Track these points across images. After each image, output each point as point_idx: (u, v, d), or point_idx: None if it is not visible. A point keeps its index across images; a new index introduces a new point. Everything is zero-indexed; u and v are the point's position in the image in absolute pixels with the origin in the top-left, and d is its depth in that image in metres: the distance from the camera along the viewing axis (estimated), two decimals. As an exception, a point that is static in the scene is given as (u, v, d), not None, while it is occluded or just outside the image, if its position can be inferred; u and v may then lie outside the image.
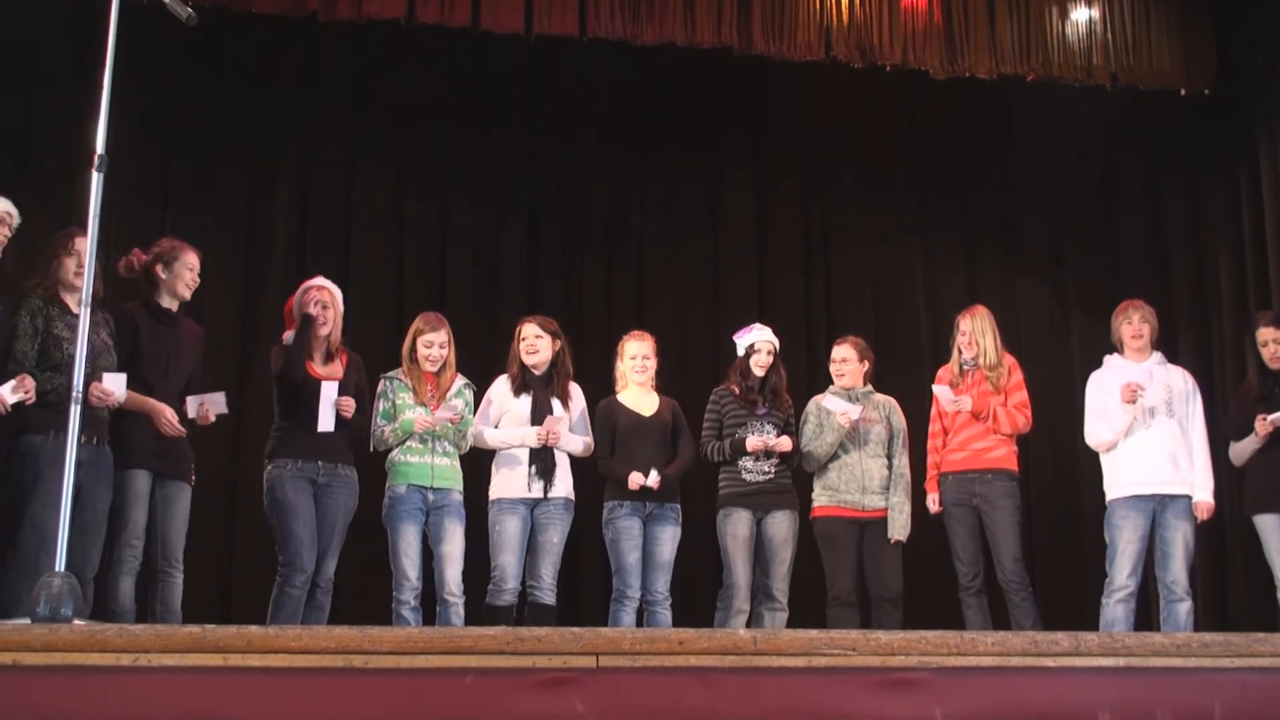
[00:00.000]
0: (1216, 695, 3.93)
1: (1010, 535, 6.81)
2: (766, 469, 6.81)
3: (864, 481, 6.86)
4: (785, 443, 6.81)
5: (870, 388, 7.13)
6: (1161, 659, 3.96)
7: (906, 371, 8.35)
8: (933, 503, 7.08)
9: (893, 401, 7.15)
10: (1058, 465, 8.91)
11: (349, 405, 6.20)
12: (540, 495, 6.54)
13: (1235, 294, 8.76)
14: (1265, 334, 6.89)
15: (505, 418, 6.68)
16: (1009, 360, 7.08)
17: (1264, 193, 8.44)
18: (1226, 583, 8.44)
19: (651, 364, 6.86)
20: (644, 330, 7.06)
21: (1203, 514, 6.68)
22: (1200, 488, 6.70)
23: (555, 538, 6.55)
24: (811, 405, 7.08)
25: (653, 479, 6.61)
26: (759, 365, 6.94)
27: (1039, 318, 9.38)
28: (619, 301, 8.93)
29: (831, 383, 7.16)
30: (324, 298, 6.37)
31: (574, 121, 8.95)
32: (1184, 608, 6.57)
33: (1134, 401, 6.70)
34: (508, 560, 6.43)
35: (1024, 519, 7.02)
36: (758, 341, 6.97)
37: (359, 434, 6.41)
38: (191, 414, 5.93)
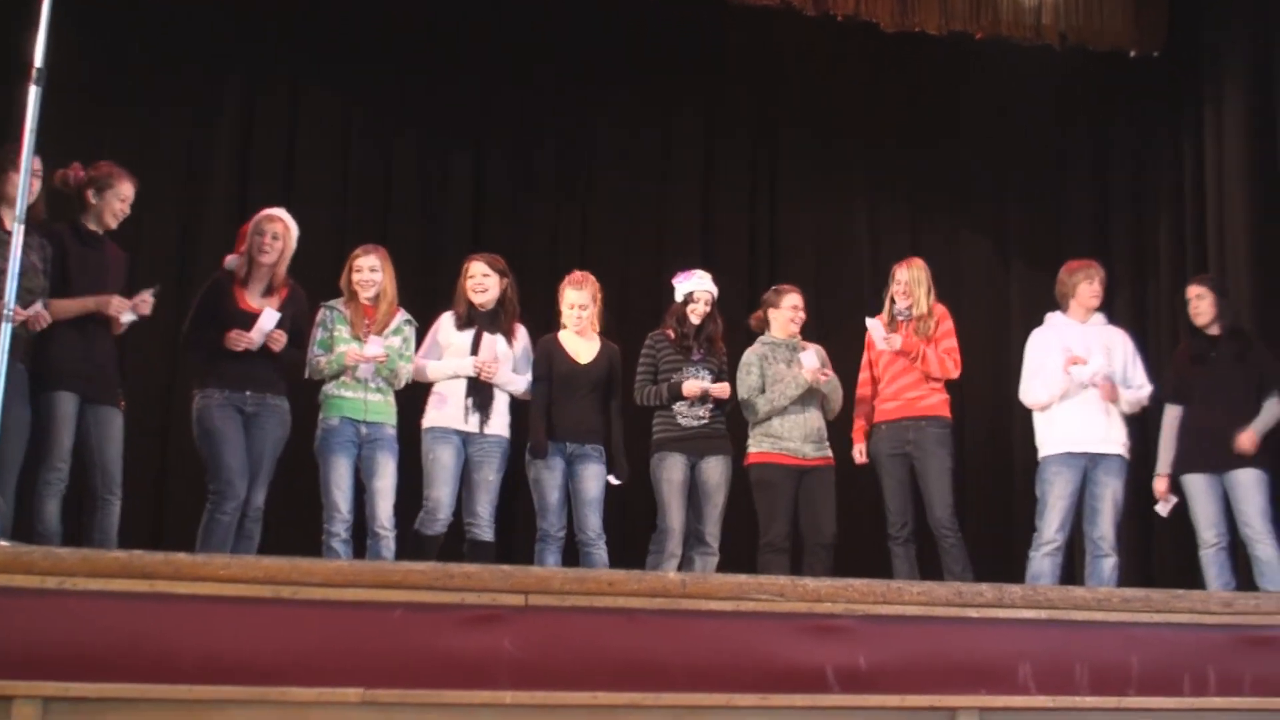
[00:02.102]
0: (1135, 649, 4.03)
1: (942, 482, 6.86)
2: (701, 414, 6.82)
3: (806, 430, 6.88)
4: (724, 388, 6.82)
5: (799, 338, 7.16)
6: (1083, 612, 4.04)
7: (848, 325, 8.35)
8: (859, 453, 7.14)
9: (823, 352, 7.15)
10: (992, 417, 8.96)
11: (279, 339, 6.18)
12: (475, 429, 6.53)
13: (1173, 255, 8.81)
14: (1190, 291, 6.96)
15: (448, 352, 6.66)
16: (939, 310, 7.11)
17: (1206, 156, 8.47)
18: (1152, 540, 8.53)
19: (589, 312, 6.82)
20: (585, 272, 7.00)
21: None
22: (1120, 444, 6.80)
23: (491, 474, 6.54)
24: (752, 356, 7.09)
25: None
26: (695, 314, 6.95)
27: (979, 271, 9.43)
28: (564, 243, 8.89)
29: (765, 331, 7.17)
30: (277, 229, 6.34)
31: (527, 61, 8.87)
32: (1109, 563, 6.65)
33: (1068, 369, 6.75)
34: (442, 492, 6.42)
35: (957, 467, 7.06)
36: (696, 291, 6.97)
37: (291, 366, 6.38)
38: (128, 317, 5.91)
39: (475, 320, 6.69)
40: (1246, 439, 6.59)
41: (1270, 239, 7.83)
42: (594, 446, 6.69)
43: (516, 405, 6.79)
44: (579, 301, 6.82)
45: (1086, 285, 6.92)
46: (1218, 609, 4.18)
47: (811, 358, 6.91)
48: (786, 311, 7.09)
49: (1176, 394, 6.94)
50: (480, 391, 6.57)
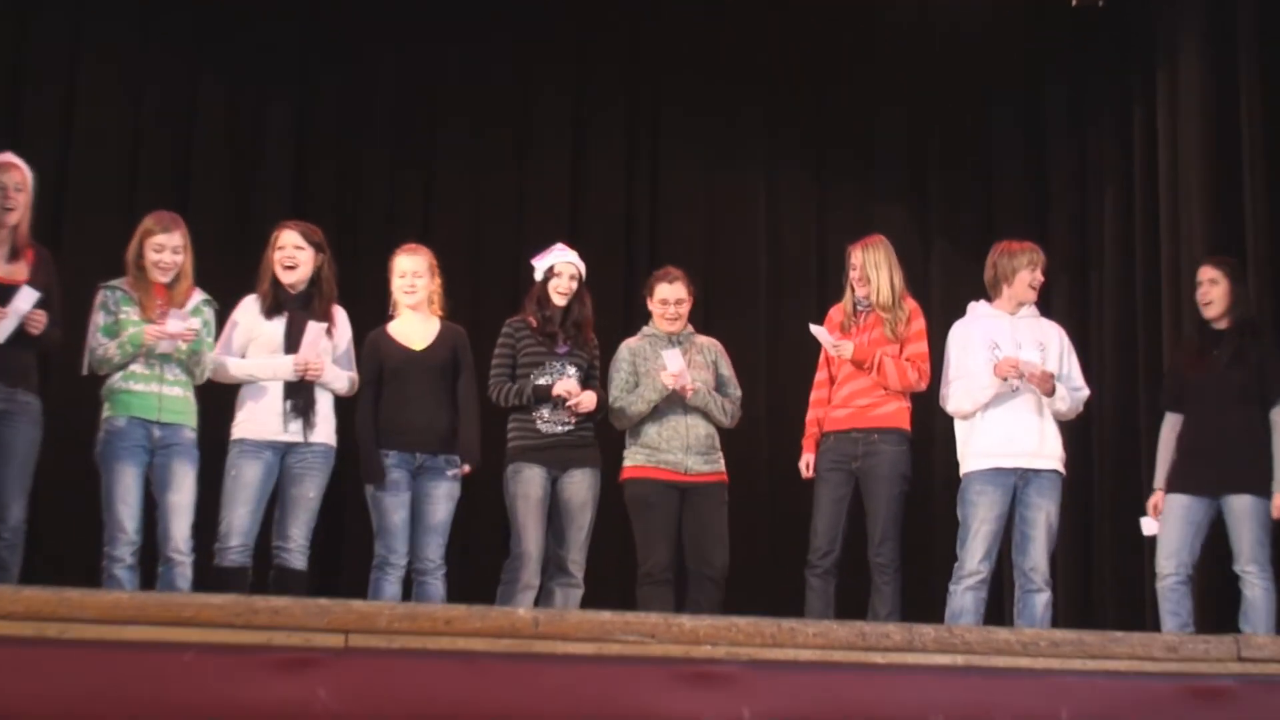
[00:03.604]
0: (1065, 700, 4.07)
1: (891, 509, 6.90)
2: (566, 419, 6.82)
3: (687, 439, 6.91)
4: (589, 400, 6.85)
5: (691, 329, 7.19)
6: (1005, 658, 4.08)
7: (741, 308, 8.43)
8: (805, 465, 7.13)
9: (718, 345, 7.21)
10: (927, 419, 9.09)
11: (38, 321, 6.06)
12: (296, 439, 6.48)
13: (1120, 236, 8.82)
14: (1202, 273, 6.95)
15: (253, 345, 6.58)
16: (910, 305, 7.11)
17: (1159, 122, 8.45)
18: (1091, 572, 8.66)
19: (424, 283, 6.80)
20: (420, 244, 7.01)
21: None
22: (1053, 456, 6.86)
23: (311, 491, 6.49)
24: (624, 350, 7.15)
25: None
26: (559, 292, 6.92)
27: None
28: (402, 210, 8.91)
29: (648, 323, 7.19)
30: (16, 179, 6.20)
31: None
32: (1041, 599, 6.67)
33: (1005, 378, 6.73)
34: (237, 513, 6.37)
35: (908, 488, 7.05)
36: (558, 263, 6.96)
37: (48, 351, 6.29)
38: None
39: (284, 304, 6.61)
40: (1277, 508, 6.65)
41: (1231, 223, 7.85)
42: (448, 458, 6.71)
43: (344, 404, 6.77)
44: (412, 269, 6.80)
45: (1028, 273, 6.90)
46: (1162, 655, 4.23)
47: (676, 358, 6.91)
48: (656, 306, 7.12)
49: (1175, 400, 6.96)
50: (301, 392, 6.49)
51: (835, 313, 7.22)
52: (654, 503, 6.87)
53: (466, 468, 6.77)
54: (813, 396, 7.20)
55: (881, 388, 6.94)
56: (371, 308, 7.09)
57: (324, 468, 6.57)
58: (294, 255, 6.60)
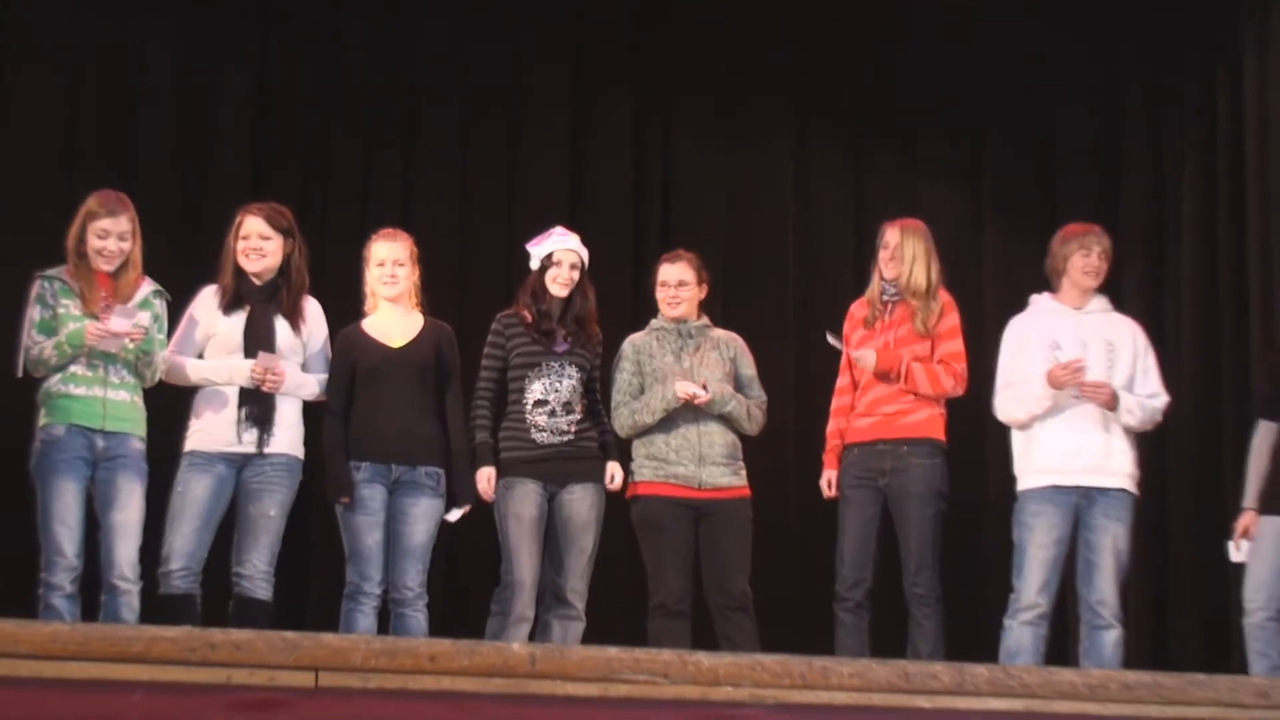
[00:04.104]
0: (1137, 753, 4.07)
1: (925, 530, 6.92)
2: (565, 427, 6.83)
3: (701, 449, 6.91)
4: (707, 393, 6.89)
5: (706, 320, 7.19)
6: (1070, 703, 4.06)
7: (766, 301, 8.42)
8: (827, 484, 7.15)
9: (738, 341, 7.21)
10: (956, 435, 9.02)
11: None
12: (253, 450, 6.51)
13: (1201, 218, 8.82)
14: None
15: (211, 343, 6.61)
16: (944, 298, 7.12)
17: (1245, 90, 8.48)
18: (1168, 606, 8.66)
19: (405, 273, 6.79)
20: (398, 229, 7.01)
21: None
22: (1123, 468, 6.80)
23: (271, 509, 6.52)
24: (627, 347, 7.12)
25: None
26: (559, 283, 6.89)
27: (943, 235, 9.30)
28: (380, 193, 8.96)
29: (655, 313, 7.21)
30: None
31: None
32: (1111, 636, 6.67)
33: (1062, 386, 6.71)
34: (181, 533, 6.42)
35: (946, 507, 7.07)
36: (558, 251, 6.92)
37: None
38: None
39: (247, 298, 6.63)
40: None
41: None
42: (428, 470, 6.70)
43: (313, 409, 6.80)
44: (392, 257, 6.79)
45: (1081, 258, 6.87)
46: (1250, 700, 4.20)
47: (686, 386, 6.90)
48: (658, 290, 7.15)
49: (1272, 406, 6.95)
50: (259, 399, 6.54)
51: (858, 308, 7.24)
52: (665, 524, 6.89)
53: (458, 513, 6.79)
54: (834, 404, 7.22)
55: (911, 393, 6.97)
56: (335, 303, 7.09)
57: (286, 482, 6.60)
58: (260, 245, 6.62)
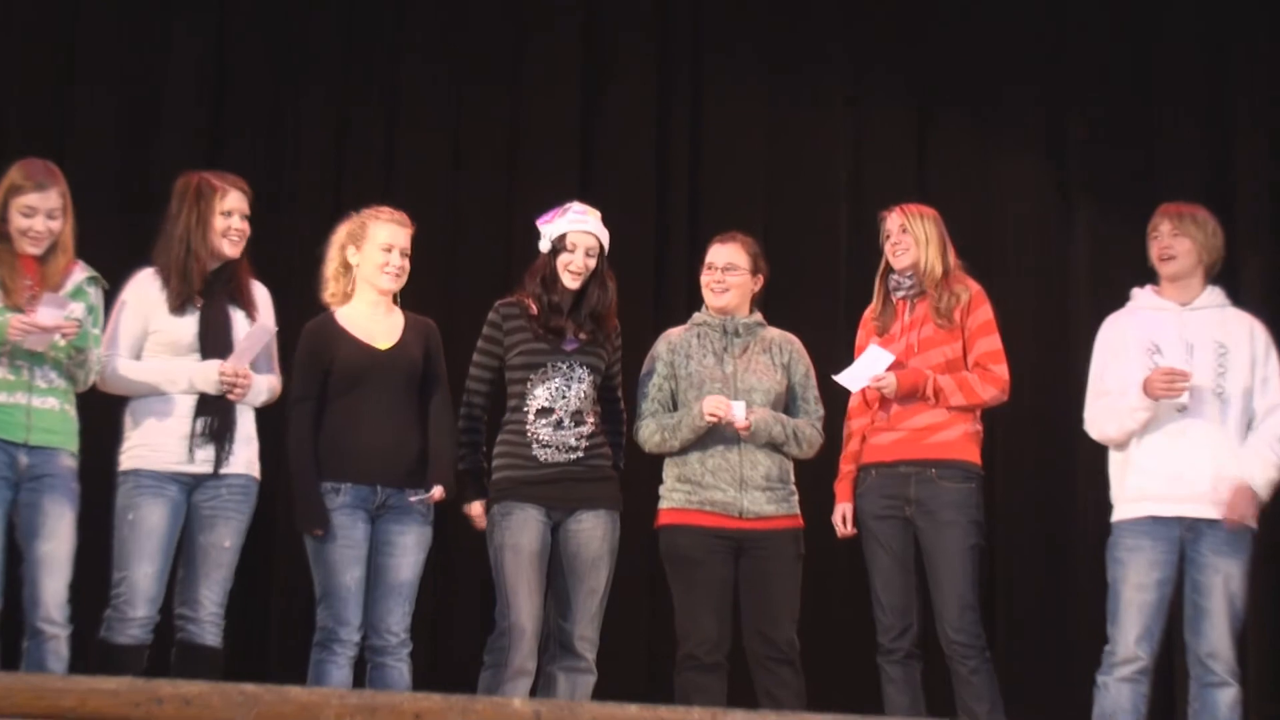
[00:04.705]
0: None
1: (960, 567, 6.92)
2: (573, 441, 6.76)
3: (743, 472, 6.88)
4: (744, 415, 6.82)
5: (759, 317, 7.15)
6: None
7: (814, 292, 8.41)
8: (842, 519, 7.18)
9: (794, 343, 7.18)
10: (1039, 454, 9.18)
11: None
12: (206, 470, 6.52)
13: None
14: None
15: (154, 341, 6.61)
16: (972, 288, 7.16)
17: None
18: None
19: (406, 265, 6.82)
20: (404, 214, 6.94)
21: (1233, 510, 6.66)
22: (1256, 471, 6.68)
23: (226, 539, 6.55)
24: (660, 347, 7.11)
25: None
26: (572, 271, 6.83)
27: (1026, 218, 9.61)
28: (353, 157, 9.08)
29: (698, 306, 7.19)
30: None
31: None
32: (1226, 695, 6.60)
33: (1158, 398, 6.64)
34: (141, 572, 6.41)
35: (984, 540, 7.07)
36: (572, 234, 6.85)
37: None
38: None
39: (187, 284, 6.62)
40: None
41: None
42: (417, 493, 6.70)
43: (267, 417, 6.80)
44: (400, 243, 6.79)
45: (1150, 240, 6.89)
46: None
47: (735, 407, 6.83)
48: (703, 274, 7.13)
49: None
50: (219, 409, 6.56)
51: (871, 314, 7.30)
52: (699, 559, 6.85)
53: (437, 492, 6.72)
54: (851, 425, 7.27)
55: (944, 406, 7.00)
56: (300, 290, 7.17)
57: (243, 508, 6.62)
58: (243, 226, 6.67)
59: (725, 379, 6.94)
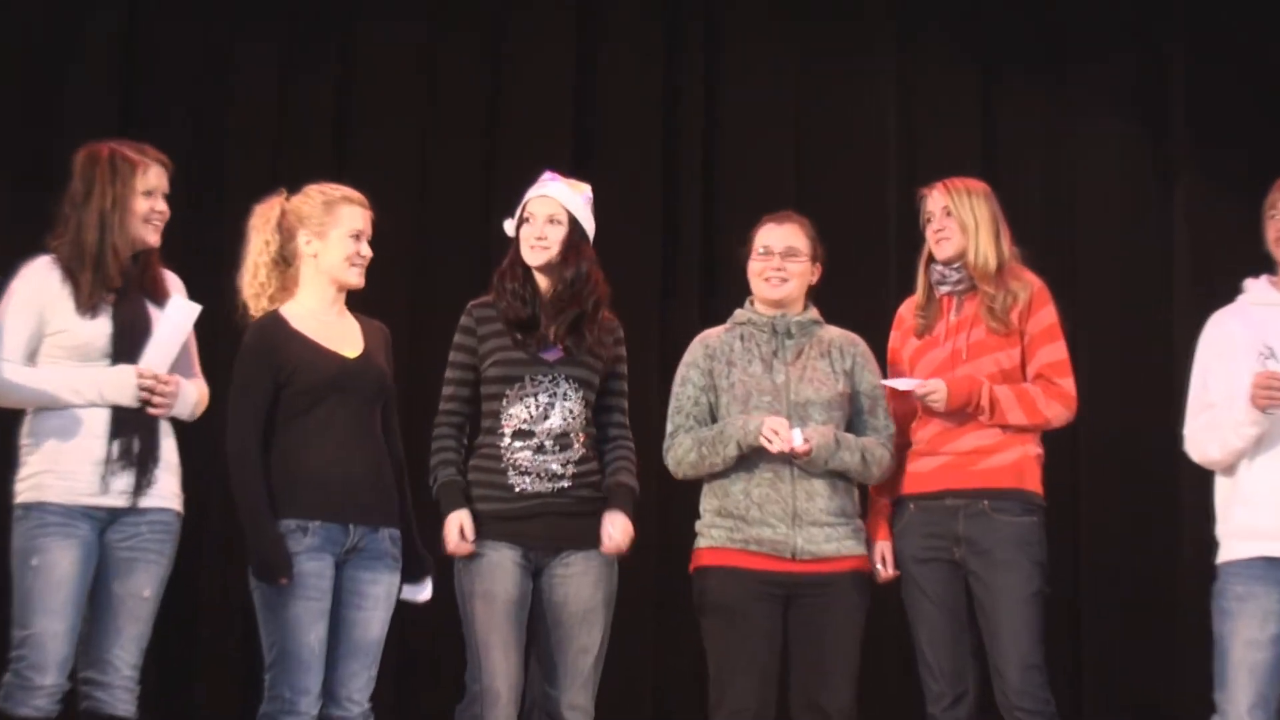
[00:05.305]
0: None
1: (1022, 618, 6.85)
2: (557, 468, 6.71)
3: (795, 504, 6.79)
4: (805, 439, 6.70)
5: (815, 314, 7.10)
6: None
7: (853, 281, 8.37)
8: (881, 560, 7.06)
9: (858, 345, 7.12)
10: (1128, 479, 9.14)
11: None
12: (122, 503, 6.44)
13: None
14: None
15: (53, 344, 6.51)
16: (1033, 284, 7.12)
17: None
18: None
19: (370, 256, 6.78)
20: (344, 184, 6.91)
21: None
22: None
23: (145, 587, 6.46)
24: (696, 350, 7.03)
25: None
26: (534, 245, 6.84)
27: (1113, 197, 9.60)
28: (299, 130, 9.24)
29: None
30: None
31: None
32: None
33: (1265, 409, 6.53)
34: (49, 630, 6.31)
35: (1048, 585, 6.99)
36: (532, 201, 6.88)
37: None
38: None
39: (103, 276, 6.53)
40: None
41: None
42: (391, 533, 6.65)
43: (188, 433, 6.74)
44: (367, 229, 6.75)
45: (1270, 221, 6.80)
46: None
47: (798, 436, 6.71)
48: (754, 262, 7.01)
49: None
50: (140, 428, 6.49)
51: (907, 310, 7.27)
52: (740, 608, 6.76)
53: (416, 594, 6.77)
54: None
55: (998, 426, 6.94)
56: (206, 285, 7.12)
57: (165, 549, 6.53)
58: (165, 208, 6.63)
59: (775, 390, 6.85)
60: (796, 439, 6.64)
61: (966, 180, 7.19)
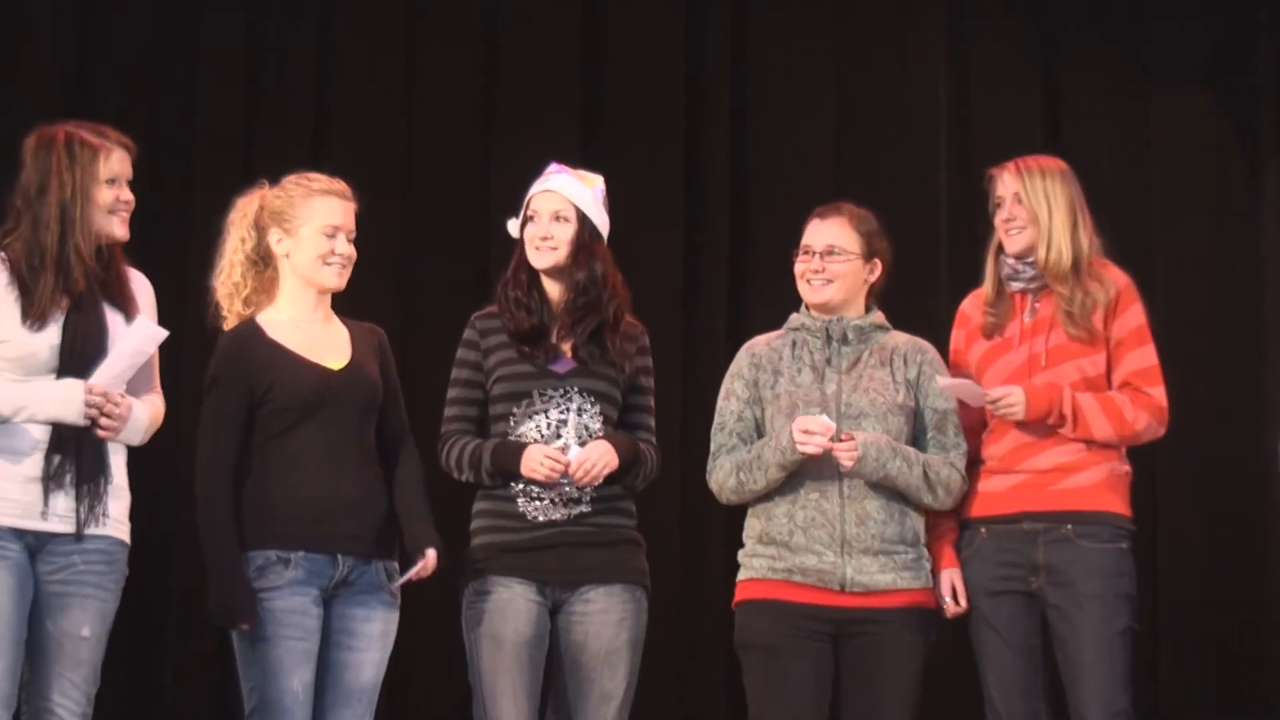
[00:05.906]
0: None
1: (1107, 657, 6.59)
2: (574, 492, 6.49)
3: (844, 528, 6.55)
4: (596, 461, 6.45)
5: (879, 318, 6.85)
6: None
7: (901, 275, 8.14)
8: (949, 590, 6.77)
9: (927, 351, 6.83)
10: (1220, 500, 9.17)
11: None
12: (62, 529, 6.16)
13: None
14: None
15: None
16: (1118, 281, 6.81)
17: None
18: None
19: (354, 255, 6.57)
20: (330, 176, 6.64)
21: None
22: None
23: (85, 626, 6.17)
24: (742, 360, 6.80)
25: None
26: (539, 245, 6.62)
27: (1196, 179, 9.62)
28: (272, 109, 9.33)
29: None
30: None
31: None
32: None
33: None
34: None
35: (1138, 620, 6.72)
36: (536, 197, 6.69)
37: None
38: None
39: (65, 279, 6.30)
40: None
41: None
42: (387, 566, 6.46)
43: (140, 458, 6.46)
44: (348, 226, 6.55)
45: None
46: None
47: (821, 420, 6.47)
48: (812, 260, 6.73)
49: None
50: (85, 447, 6.24)
51: (972, 307, 6.99)
52: (781, 646, 6.54)
53: (429, 560, 6.39)
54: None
55: (1082, 441, 6.68)
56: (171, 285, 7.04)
57: (107, 583, 6.26)
58: (131, 199, 6.41)
59: (824, 400, 6.59)
60: (832, 427, 6.39)
61: (1041, 159, 6.88)
